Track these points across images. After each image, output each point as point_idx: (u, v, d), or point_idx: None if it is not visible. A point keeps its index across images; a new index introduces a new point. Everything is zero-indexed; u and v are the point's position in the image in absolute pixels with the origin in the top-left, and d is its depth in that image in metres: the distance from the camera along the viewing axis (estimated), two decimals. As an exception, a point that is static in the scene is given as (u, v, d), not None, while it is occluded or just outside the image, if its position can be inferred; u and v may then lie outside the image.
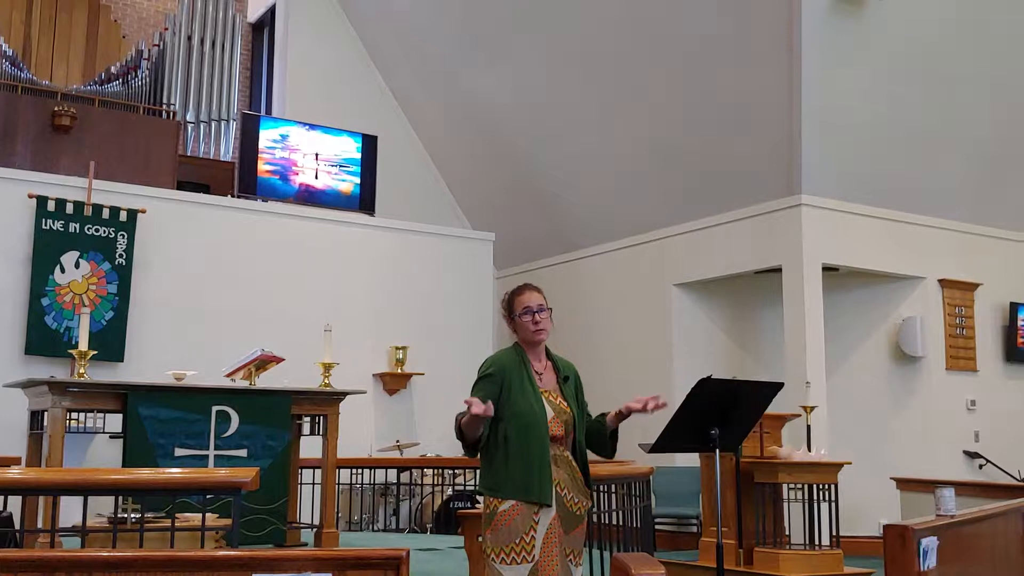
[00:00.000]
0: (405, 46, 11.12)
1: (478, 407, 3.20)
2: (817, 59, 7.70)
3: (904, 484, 7.36)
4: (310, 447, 6.55)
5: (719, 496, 4.05)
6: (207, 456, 5.56)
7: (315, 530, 6.11)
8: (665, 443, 4.07)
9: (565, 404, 3.47)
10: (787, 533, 6.69)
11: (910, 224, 8.98)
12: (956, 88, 8.45)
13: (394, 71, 11.49)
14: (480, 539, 3.47)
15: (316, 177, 10.08)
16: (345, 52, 11.51)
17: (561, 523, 3.34)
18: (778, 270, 8.55)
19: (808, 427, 7.45)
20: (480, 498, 3.49)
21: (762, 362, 9.46)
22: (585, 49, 9.03)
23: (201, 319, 8.77)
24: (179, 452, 5.47)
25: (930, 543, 3.06)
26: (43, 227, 8.23)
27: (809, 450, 6.92)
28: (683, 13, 8.14)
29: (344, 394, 6.17)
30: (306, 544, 6.12)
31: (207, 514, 3.71)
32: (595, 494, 5.55)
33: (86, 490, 3.50)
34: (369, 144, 10.43)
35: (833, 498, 6.52)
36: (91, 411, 5.47)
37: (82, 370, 5.43)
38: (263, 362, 6.17)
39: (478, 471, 3.52)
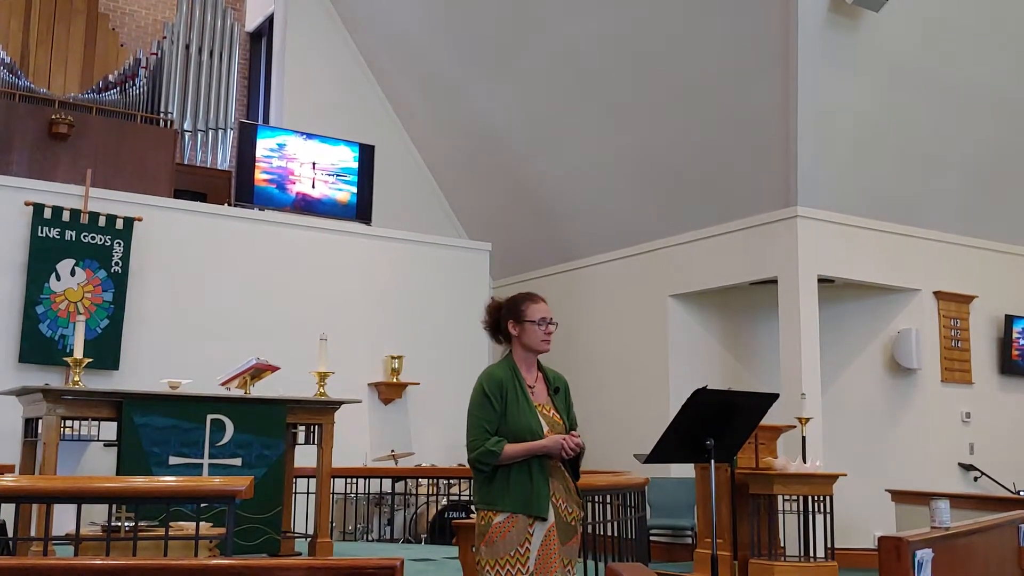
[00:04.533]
0: (403, 56, 11.15)
1: (573, 443, 3.36)
2: (813, 71, 7.72)
3: (899, 496, 7.35)
4: (305, 456, 6.54)
5: (714, 507, 4.04)
6: (201, 465, 5.55)
7: (309, 540, 6.10)
8: (660, 454, 4.07)
9: (557, 416, 3.49)
10: (782, 545, 6.69)
11: (906, 236, 9.00)
12: (952, 100, 8.49)
13: (391, 81, 11.52)
14: (474, 550, 3.47)
15: (313, 186, 10.09)
16: (343, 62, 11.53)
17: (558, 534, 3.36)
18: (774, 281, 8.56)
19: (803, 439, 7.46)
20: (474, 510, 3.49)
21: (757, 373, 9.46)
22: (582, 61, 9.06)
23: (197, 328, 8.76)
24: (173, 460, 5.46)
25: (925, 555, 3.06)
26: (39, 235, 8.23)
27: (804, 462, 6.92)
28: (680, 26, 8.16)
29: (339, 403, 6.17)
30: (300, 554, 6.11)
31: (201, 523, 3.70)
32: (591, 504, 5.55)
33: (80, 498, 3.49)
34: (366, 153, 10.44)
35: (828, 510, 6.52)
36: (86, 419, 5.46)
37: (77, 378, 5.42)
38: (258, 371, 6.17)
39: (471, 482, 3.52)
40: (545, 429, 3.40)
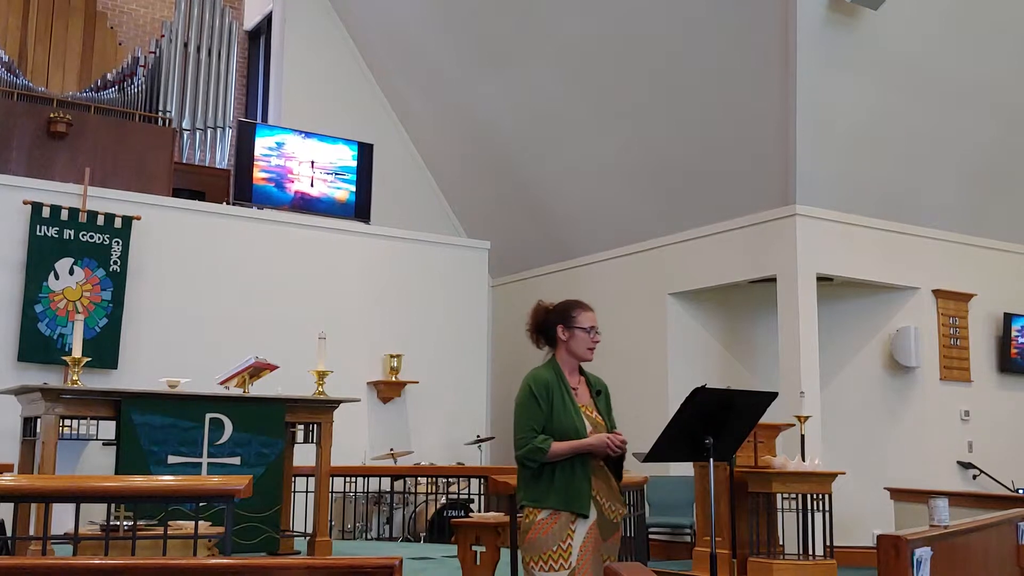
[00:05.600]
0: (401, 54, 11.14)
1: (618, 441, 3.46)
2: (812, 69, 7.72)
3: (898, 494, 7.36)
4: (304, 455, 6.54)
5: (713, 506, 4.04)
6: (200, 464, 5.56)
7: (308, 538, 6.10)
8: (659, 452, 4.06)
9: (600, 418, 3.60)
10: (781, 543, 6.69)
11: (904, 234, 9.00)
12: (951, 98, 8.48)
13: (390, 79, 11.51)
14: (519, 546, 3.59)
15: (312, 185, 10.08)
16: (341, 60, 11.52)
17: (600, 531, 3.47)
18: (773, 280, 8.56)
19: (802, 437, 7.46)
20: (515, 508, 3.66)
21: (756, 372, 9.46)
22: (581, 59, 9.05)
23: (195, 326, 8.76)
24: (172, 459, 5.46)
25: (924, 553, 3.06)
26: (37, 233, 8.22)
27: (803, 460, 6.92)
28: (679, 24, 8.16)
29: (338, 402, 6.17)
30: (299, 552, 6.11)
31: (200, 522, 3.69)
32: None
33: (78, 497, 3.49)
34: (365, 152, 10.43)
35: (827, 508, 6.52)
36: (84, 418, 5.48)
37: (76, 377, 5.42)
38: (257, 370, 6.17)
39: (518, 479, 3.61)
40: (588, 429, 3.51)
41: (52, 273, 8.23)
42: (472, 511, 8.52)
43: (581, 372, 3.69)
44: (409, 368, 9.82)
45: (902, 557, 2.97)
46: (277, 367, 6.25)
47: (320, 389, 6.15)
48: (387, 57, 11.36)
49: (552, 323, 3.64)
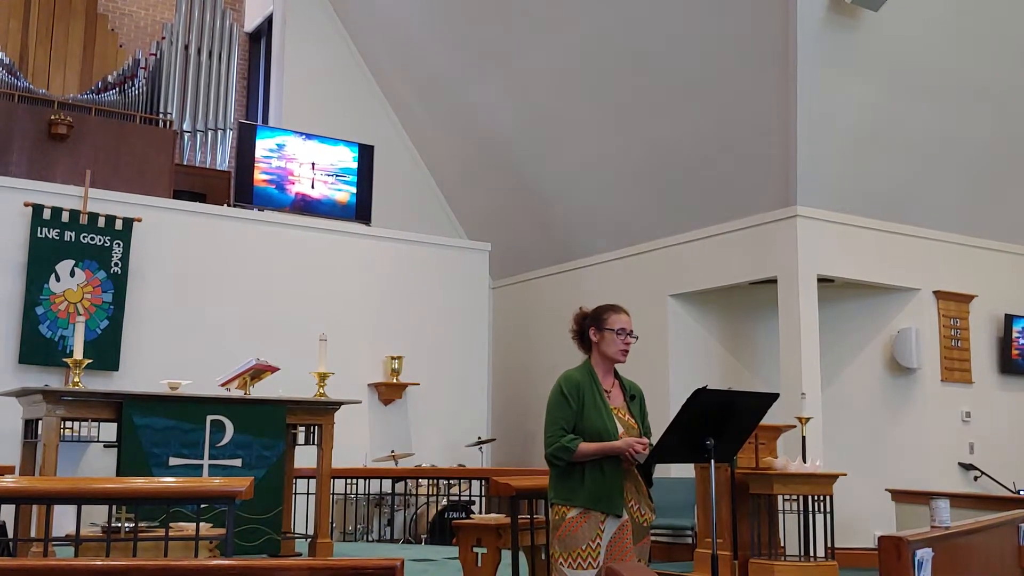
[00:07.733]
0: (402, 56, 11.14)
1: (640, 447, 3.53)
2: (813, 71, 7.72)
3: (899, 495, 7.35)
4: (305, 457, 6.54)
5: (714, 507, 4.04)
6: (201, 465, 5.56)
7: (309, 540, 6.10)
8: (660, 454, 4.06)
9: (633, 421, 3.69)
10: (782, 544, 6.68)
11: (905, 236, 9.00)
12: (952, 100, 8.49)
13: (391, 81, 11.51)
14: (548, 544, 3.67)
15: (312, 186, 10.08)
16: (342, 62, 11.53)
17: (630, 533, 3.56)
18: (773, 281, 8.55)
19: (803, 438, 7.45)
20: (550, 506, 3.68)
21: (757, 373, 9.46)
22: (582, 60, 9.06)
23: (196, 328, 8.76)
24: (173, 461, 5.46)
25: (925, 555, 3.05)
26: (38, 235, 8.23)
27: (804, 461, 6.91)
28: (680, 25, 8.17)
29: (339, 404, 6.17)
30: (300, 554, 6.11)
31: (201, 524, 3.69)
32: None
33: (80, 499, 3.49)
34: (365, 154, 10.43)
35: (828, 509, 6.51)
36: (85, 420, 5.47)
37: (77, 379, 5.42)
38: (258, 371, 6.17)
39: (549, 480, 3.67)
40: (620, 431, 3.60)
41: (53, 275, 8.23)
42: (473, 513, 8.52)
43: (616, 376, 3.78)
44: (410, 370, 9.82)
45: (903, 558, 2.97)
46: (278, 369, 6.26)
47: (321, 391, 6.15)
48: (387, 58, 11.37)
49: (586, 326, 3.76)
